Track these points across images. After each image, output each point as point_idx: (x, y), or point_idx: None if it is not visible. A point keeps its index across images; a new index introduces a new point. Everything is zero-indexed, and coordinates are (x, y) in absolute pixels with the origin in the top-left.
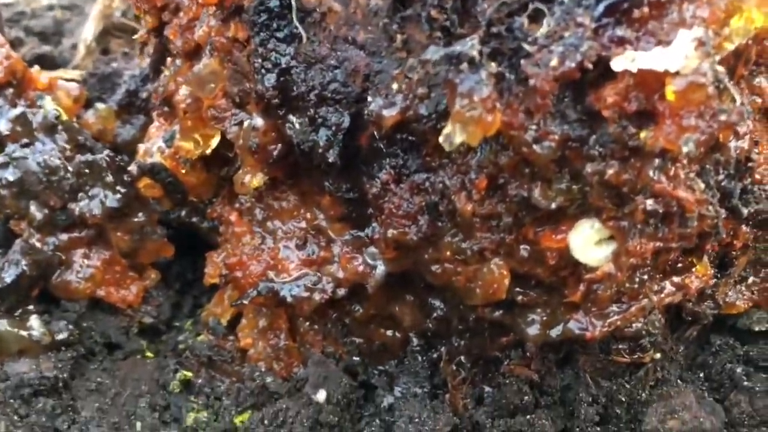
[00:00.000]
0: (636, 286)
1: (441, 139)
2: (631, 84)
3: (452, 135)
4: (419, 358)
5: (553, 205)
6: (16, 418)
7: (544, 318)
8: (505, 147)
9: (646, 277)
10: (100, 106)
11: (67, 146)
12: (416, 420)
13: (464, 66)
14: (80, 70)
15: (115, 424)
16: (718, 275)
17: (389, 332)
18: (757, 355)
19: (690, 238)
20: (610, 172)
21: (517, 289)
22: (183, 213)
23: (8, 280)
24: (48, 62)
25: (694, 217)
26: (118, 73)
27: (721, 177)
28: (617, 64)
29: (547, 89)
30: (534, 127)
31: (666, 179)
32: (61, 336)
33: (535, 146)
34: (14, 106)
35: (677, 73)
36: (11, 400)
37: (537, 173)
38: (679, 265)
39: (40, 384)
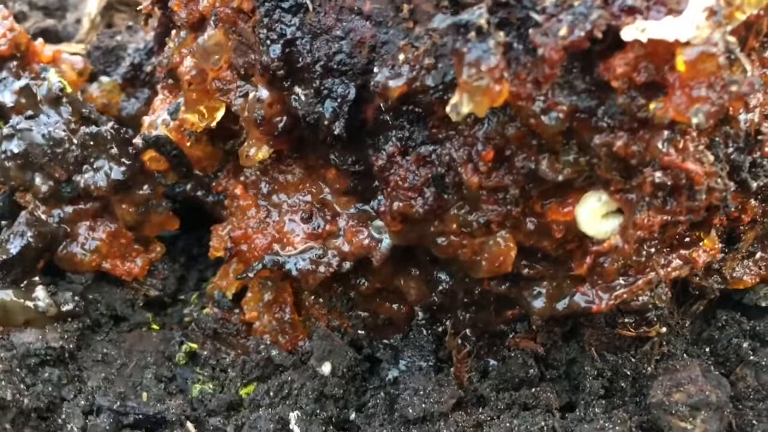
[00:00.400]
0: (643, 259)
1: (448, 109)
2: (641, 54)
3: (459, 105)
4: (424, 331)
5: (561, 178)
6: (22, 386)
7: (550, 291)
8: (512, 118)
9: (653, 250)
10: (104, 79)
11: (72, 119)
12: (421, 392)
13: (472, 35)
14: (84, 44)
15: (121, 394)
16: (726, 250)
17: (394, 306)
18: (763, 329)
19: (698, 212)
20: (619, 143)
21: (523, 262)
22: (188, 187)
23: (14, 251)
24: (52, 36)
25: (703, 189)
26: (122, 46)
27: (730, 150)
28: (627, 34)
29: (555, 59)
30: (542, 97)
31: (675, 151)
32: (66, 307)
33: (542, 117)
34: (18, 78)
35: (688, 43)
36: (18, 369)
37: (544, 145)
38: (687, 239)
39: (46, 354)
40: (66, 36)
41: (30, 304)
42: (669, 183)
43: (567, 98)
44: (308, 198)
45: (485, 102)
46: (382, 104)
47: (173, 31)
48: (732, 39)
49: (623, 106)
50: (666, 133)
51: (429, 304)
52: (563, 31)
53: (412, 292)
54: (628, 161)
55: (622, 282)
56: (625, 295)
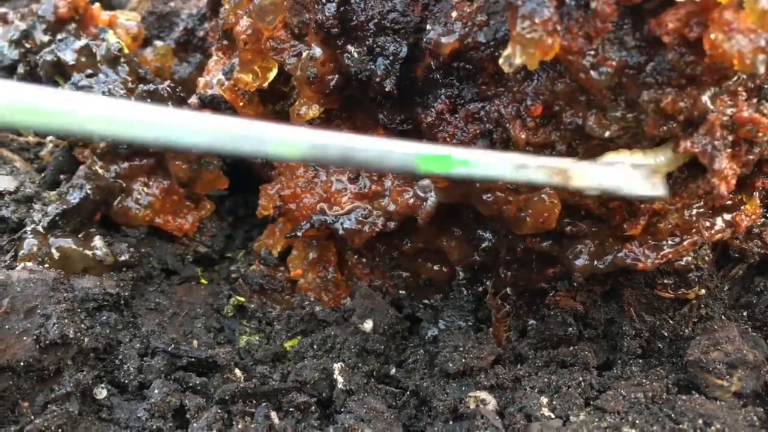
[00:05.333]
0: (693, 219)
1: (501, 61)
2: (692, 10)
3: (512, 57)
4: (464, 291)
5: (607, 134)
6: (83, 326)
7: (592, 249)
8: (561, 74)
9: (700, 211)
10: (158, 43)
11: (129, 78)
12: (461, 348)
13: None
14: (137, 13)
15: (173, 339)
16: (767, 215)
17: (436, 267)
18: None
19: (749, 165)
20: (667, 100)
21: (566, 219)
22: None
23: (74, 201)
24: (105, 4)
25: (766, 139)
26: (175, 12)
27: None
28: None
29: (608, 12)
30: (592, 52)
31: (735, 105)
32: (123, 257)
33: (592, 72)
34: (78, 39)
35: None
36: (78, 310)
37: (592, 101)
38: (729, 201)
39: (103, 299)
40: (118, 5)
41: (89, 252)
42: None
43: (617, 54)
44: None
45: (537, 54)
46: (432, 62)
47: None
48: None
49: (672, 62)
50: (713, 89)
51: (470, 264)
52: None
53: (454, 251)
54: (676, 117)
55: (669, 241)
56: (670, 255)
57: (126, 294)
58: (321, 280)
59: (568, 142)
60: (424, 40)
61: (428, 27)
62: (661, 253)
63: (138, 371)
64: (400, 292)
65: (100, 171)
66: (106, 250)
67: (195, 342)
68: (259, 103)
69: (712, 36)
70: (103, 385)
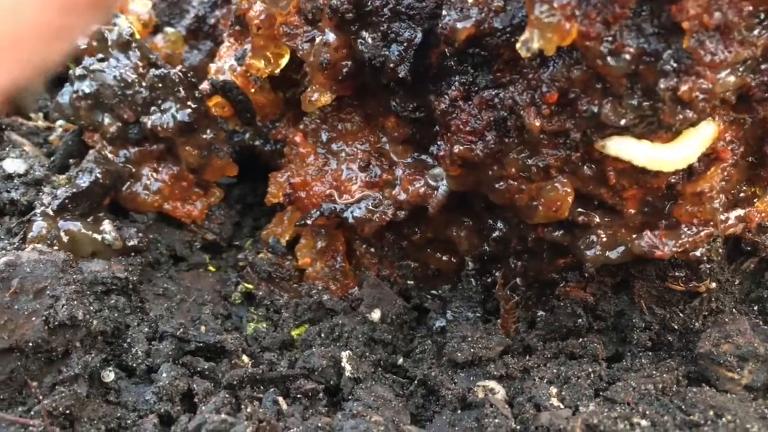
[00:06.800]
0: (716, 207)
1: (518, 45)
2: None
3: (530, 41)
4: (473, 282)
5: (623, 122)
6: (91, 309)
7: (604, 239)
8: (578, 61)
9: (723, 202)
10: (169, 30)
11: (140, 63)
12: (469, 339)
13: None
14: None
15: (181, 324)
16: None
17: (445, 257)
18: None
19: None
20: (684, 88)
21: (579, 209)
22: (246, 136)
23: (83, 185)
24: None
25: None
26: None
27: None
28: None
29: None
30: (610, 38)
31: None
32: (132, 242)
33: (609, 59)
34: None
35: None
36: (87, 293)
37: (609, 89)
38: (742, 194)
39: (112, 283)
40: None
41: (97, 236)
42: None
43: (635, 40)
44: (366, 147)
45: (555, 39)
46: (447, 49)
47: None
48: None
49: (690, 50)
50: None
51: (480, 254)
52: None
53: (463, 241)
54: (694, 105)
55: (687, 231)
56: (688, 245)
57: (134, 278)
58: (329, 269)
59: (583, 130)
60: (440, 25)
61: (444, 12)
62: (680, 242)
63: (146, 355)
64: (409, 282)
65: (110, 155)
66: (115, 234)
67: (203, 328)
68: (271, 90)
69: None
70: (111, 368)
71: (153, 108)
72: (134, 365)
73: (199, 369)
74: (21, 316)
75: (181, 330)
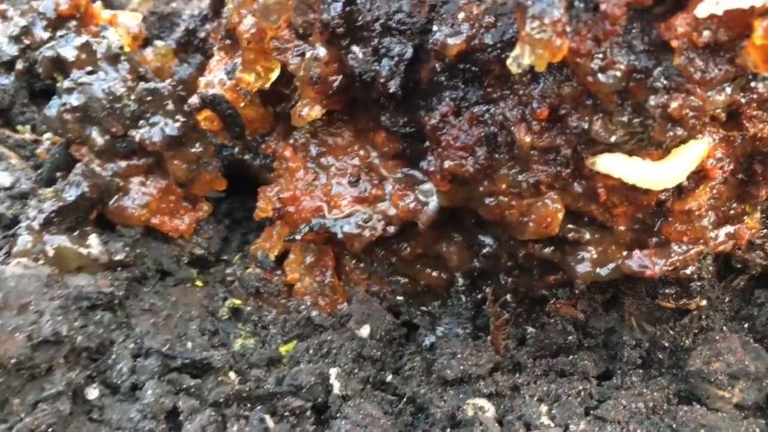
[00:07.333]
0: (705, 225)
1: (509, 61)
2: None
3: (521, 57)
4: (463, 298)
5: (613, 139)
6: (76, 324)
7: (594, 256)
8: (568, 77)
9: (712, 220)
10: (159, 43)
11: (129, 76)
12: (459, 355)
13: None
14: (137, 13)
15: (167, 341)
16: None
17: (434, 273)
18: None
19: None
20: (674, 105)
21: (569, 225)
22: (236, 150)
23: (69, 199)
24: (106, 5)
25: None
26: (177, 12)
27: None
28: (702, 11)
29: (617, 14)
30: (600, 55)
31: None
32: (118, 257)
33: (600, 75)
34: (79, 36)
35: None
36: (72, 308)
37: (599, 105)
38: (732, 211)
39: (97, 298)
40: (119, 5)
41: (84, 250)
42: None
43: (625, 57)
44: (356, 161)
45: (546, 55)
46: (437, 64)
47: None
48: None
49: (680, 67)
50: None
51: (470, 270)
52: None
53: (453, 258)
54: (684, 122)
55: (677, 249)
56: (678, 263)
57: (120, 294)
58: (318, 285)
59: (573, 147)
60: (431, 41)
61: (435, 28)
62: (670, 260)
63: (131, 372)
64: (398, 298)
65: (97, 169)
66: (101, 248)
67: (189, 344)
68: (260, 104)
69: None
70: (95, 385)
71: (141, 121)
72: (118, 382)
73: (184, 386)
74: (4, 332)
75: (167, 346)
